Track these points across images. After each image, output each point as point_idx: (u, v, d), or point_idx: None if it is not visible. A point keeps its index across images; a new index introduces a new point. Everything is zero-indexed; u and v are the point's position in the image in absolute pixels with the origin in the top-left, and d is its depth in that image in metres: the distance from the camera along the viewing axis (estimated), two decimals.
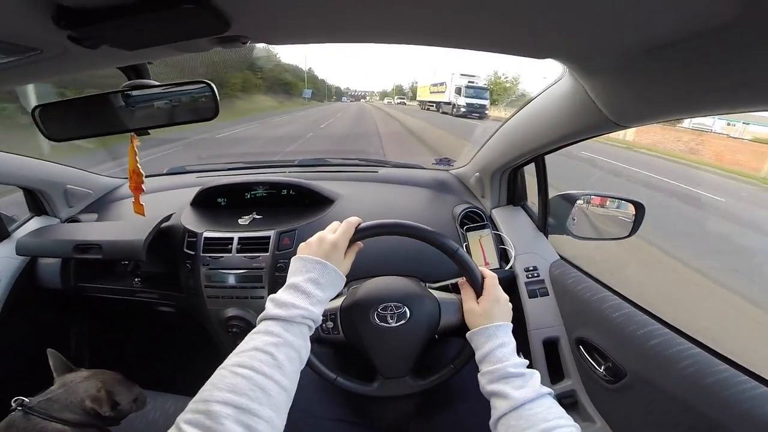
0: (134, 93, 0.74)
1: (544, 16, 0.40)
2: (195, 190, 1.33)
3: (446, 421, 0.84)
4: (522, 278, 1.09)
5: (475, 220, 1.22)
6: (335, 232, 0.69)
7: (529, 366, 0.64)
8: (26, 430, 0.73)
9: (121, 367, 0.95)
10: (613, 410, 0.89)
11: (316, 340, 0.79)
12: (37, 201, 1.37)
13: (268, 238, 1.14)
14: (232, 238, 1.15)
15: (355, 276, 1.03)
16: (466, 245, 1.16)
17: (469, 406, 0.84)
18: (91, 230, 1.24)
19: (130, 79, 0.73)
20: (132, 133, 0.89)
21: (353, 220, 0.72)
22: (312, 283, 0.62)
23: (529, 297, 1.07)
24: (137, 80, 0.73)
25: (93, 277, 1.32)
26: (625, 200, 1.06)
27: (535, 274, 1.09)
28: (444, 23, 0.44)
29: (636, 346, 0.80)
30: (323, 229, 0.95)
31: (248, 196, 1.35)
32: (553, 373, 1.04)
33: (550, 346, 1.04)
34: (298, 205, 1.30)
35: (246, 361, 0.49)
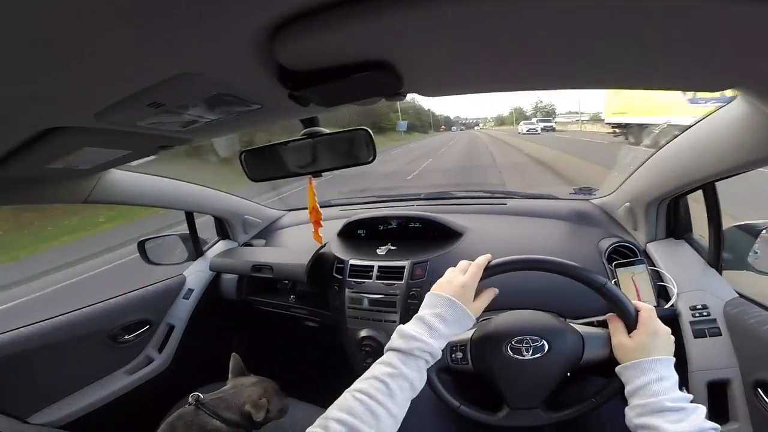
0: (312, 139, 0.87)
1: (726, 50, 0.40)
2: (340, 222, 1.52)
3: None
4: (686, 317, 0.98)
5: (625, 255, 1.13)
6: (465, 272, 0.72)
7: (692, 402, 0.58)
8: (192, 424, 0.82)
9: (265, 371, 1.08)
10: None
11: (443, 368, 0.83)
12: (223, 227, 1.74)
13: (403, 267, 1.25)
14: (372, 267, 1.29)
15: (486, 308, 1.05)
16: (615, 282, 1.08)
17: None
18: (263, 253, 1.54)
19: (306, 126, 0.86)
20: (310, 176, 1.08)
21: (482, 260, 0.73)
22: (437, 317, 0.66)
23: (695, 337, 0.95)
24: (312, 128, 0.86)
25: (259, 292, 1.62)
26: None
27: (704, 313, 0.97)
28: (610, 68, 0.46)
29: None
30: (453, 261, 1.00)
31: (382, 228, 1.49)
32: (717, 416, 0.91)
33: (717, 388, 0.93)
34: (428, 238, 1.39)
35: (365, 387, 0.57)
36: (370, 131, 0.87)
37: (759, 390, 0.83)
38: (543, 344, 0.77)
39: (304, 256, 1.34)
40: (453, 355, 0.83)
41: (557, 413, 0.78)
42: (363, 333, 1.27)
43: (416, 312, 1.14)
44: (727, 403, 0.91)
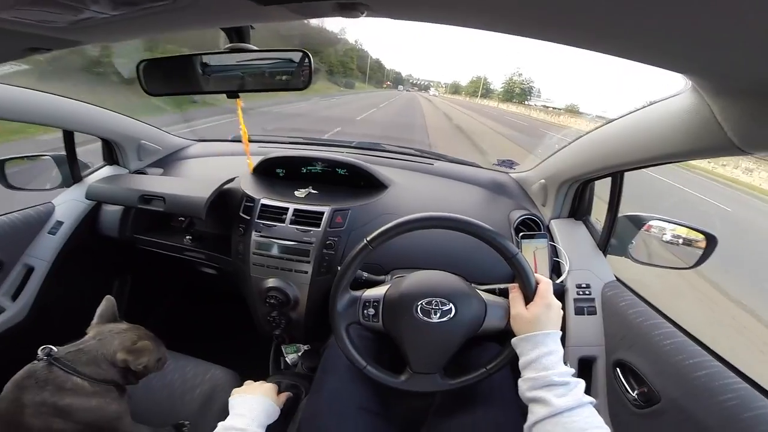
0: (235, 55, 0.75)
1: (696, 35, 0.38)
2: (257, 159, 1.37)
3: (463, 422, 0.84)
4: (572, 294, 1.08)
5: (531, 227, 1.20)
6: (262, 384, 0.85)
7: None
8: (45, 382, 0.70)
9: (150, 322, 0.97)
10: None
11: (356, 322, 0.83)
12: (112, 151, 1.47)
13: (322, 213, 1.16)
14: (287, 209, 1.17)
15: (399, 264, 1.06)
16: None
17: (491, 410, 0.84)
18: (157, 183, 1.28)
19: (232, 40, 0.73)
20: (237, 97, 0.92)
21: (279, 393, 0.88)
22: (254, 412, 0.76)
23: (575, 314, 1.06)
24: (238, 43, 0.73)
25: (148, 230, 1.39)
26: (697, 230, 1.02)
27: (587, 292, 1.07)
28: (589, 24, 0.42)
29: (680, 375, 0.78)
30: (375, 212, 0.96)
31: (305, 171, 1.38)
32: None
33: (585, 364, 1.04)
34: (353, 186, 1.32)
35: None
36: (311, 55, 0.77)
37: (617, 369, 0.94)
38: (450, 308, 0.78)
39: (205, 190, 1.16)
40: (365, 311, 0.82)
41: (453, 380, 0.81)
42: (269, 283, 1.17)
43: (330, 263, 1.12)
44: (591, 379, 1.02)
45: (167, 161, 1.58)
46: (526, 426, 0.62)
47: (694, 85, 0.60)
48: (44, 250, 1.26)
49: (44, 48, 0.60)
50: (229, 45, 0.73)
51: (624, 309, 0.99)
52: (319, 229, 1.14)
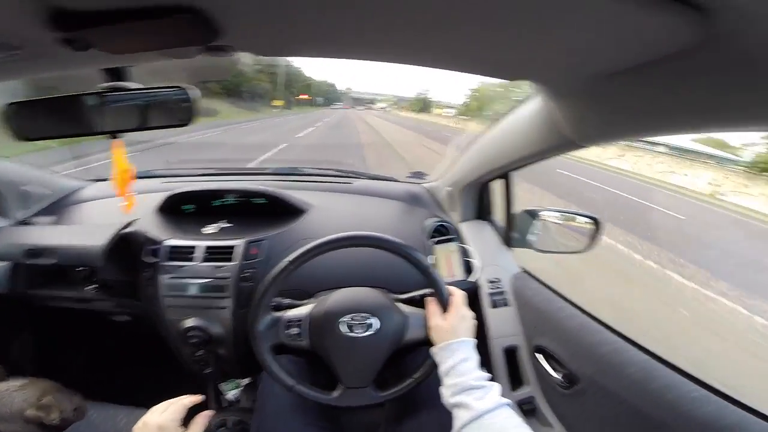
0: (111, 94, 0.73)
1: (518, 42, 0.44)
2: (161, 196, 1.29)
3: (413, 427, 0.87)
4: (485, 289, 1.14)
5: (444, 233, 1.26)
6: (164, 411, 0.72)
7: (492, 375, 0.69)
8: None
9: (69, 377, 0.90)
10: (569, 415, 0.93)
11: (278, 346, 0.83)
12: None
13: (234, 247, 1.12)
14: (195, 247, 1.13)
15: (321, 287, 1.05)
16: (433, 257, 1.20)
17: (436, 416, 0.86)
18: (46, 234, 1.17)
19: (109, 79, 0.71)
20: (114, 137, 0.89)
21: (185, 401, 0.75)
22: None
23: (492, 307, 1.12)
24: (116, 83, 0.72)
25: (44, 283, 1.24)
26: (583, 215, 1.12)
27: (498, 286, 1.14)
28: (425, 44, 0.47)
29: (589, 354, 0.84)
30: (294, 239, 0.96)
31: (217, 204, 1.32)
32: (514, 380, 1.08)
33: (511, 354, 1.09)
34: (269, 215, 1.29)
35: None
36: (189, 89, 0.76)
37: (539, 355, 0.99)
38: (373, 322, 0.80)
39: (102, 236, 1.08)
40: (288, 331, 0.82)
41: (384, 392, 0.83)
42: (188, 323, 1.11)
43: (250, 296, 1.07)
44: (519, 367, 1.07)
45: (59, 207, 1.42)
46: (453, 431, 0.65)
47: (538, 89, 0.67)
48: None
49: None
50: (104, 84, 0.71)
51: (531, 297, 1.05)
52: (234, 263, 1.11)
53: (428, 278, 0.80)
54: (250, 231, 1.19)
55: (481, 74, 0.56)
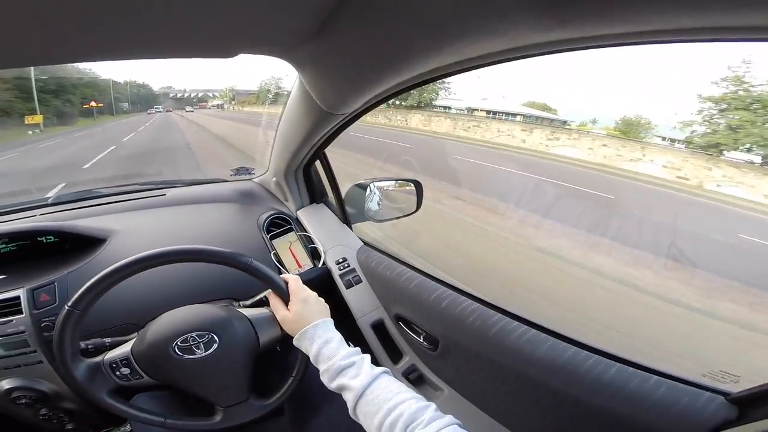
0: None
1: (220, 15, 0.39)
2: None
3: (321, 424, 0.87)
4: (336, 271, 1.13)
5: (281, 225, 1.20)
6: None
7: (364, 351, 0.67)
8: None
9: None
10: (447, 374, 0.96)
11: (114, 391, 0.76)
12: None
13: (17, 298, 0.92)
14: None
15: (154, 314, 0.91)
16: (274, 253, 1.13)
17: (338, 405, 0.85)
18: None
19: None
20: None
21: None
22: None
23: (347, 288, 1.11)
24: None
25: None
26: (404, 181, 1.20)
27: (346, 265, 1.14)
28: (132, 36, 0.40)
29: (434, 312, 0.89)
30: (95, 271, 0.80)
31: None
32: (392, 353, 1.09)
33: (379, 328, 1.10)
34: (63, 253, 1.06)
35: None
36: None
37: (401, 323, 1.01)
38: (212, 337, 0.75)
39: None
40: (117, 373, 0.75)
41: (270, 399, 0.80)
42: (4, 386, 0.91)
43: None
44: (391, 339, 1.07)
45: None
46: (350, 414, 0.63)
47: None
48: None
49: None
50: None
51: (377, 268, 1.08)
52: (23, 315, 0.91)
53: (254, 274, 0.75)
54: (31, 277, 0.97)
55: (194, 56, 0.52)
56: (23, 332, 0.91)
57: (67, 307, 0.70)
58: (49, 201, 1.32)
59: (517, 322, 0.80)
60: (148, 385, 0.77)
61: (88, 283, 0.71)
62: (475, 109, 13.24)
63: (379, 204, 1.24)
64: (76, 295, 0.71)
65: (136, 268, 0.71)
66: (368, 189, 1.19)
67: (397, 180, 1.21)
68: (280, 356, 0.84)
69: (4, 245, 1.04)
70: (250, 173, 1.47)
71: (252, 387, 0.79)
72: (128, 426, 1.18)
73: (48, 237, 1.07)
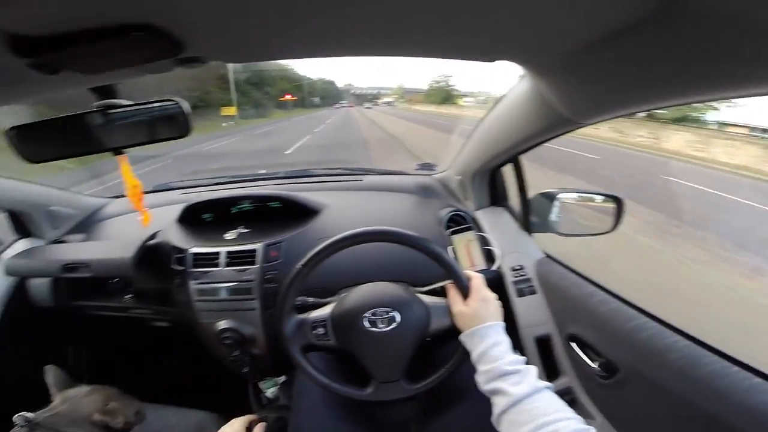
0: (109, 112, 0.74)
1: (487, 21, 0.41)
2: (180, 207, 1.33)
3: (448, 421, 0.87)
4: (509, 277, 1.10)
5: (460, 223, 1.23)
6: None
7: (526, 363, 0.65)
8: None
9: (120, 382, 0.96)
10: (611, 406, 0.89)
11: (308, 346, 0.84)
12: (21, 223, 1.37)
13: (255, 251, 1.15)
14: (218, 253, 1.16)
15: (344, 284, 1.06)
16: (452, 248, 1.17)
17: (472, 406, 0.86)
18: (79, 250, 1.26)
19: (98, 99, 0.72)
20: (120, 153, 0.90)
21: (244, 417, 0.81)
22: None
23: (518, 296, 1.08)
24: (107, 101, 0.72)
25: (86, 295, 1.34)
26: (604, 195, 1.07)
27: (522, 273, 1.10)
28: (401, 33, 0.45)
29: (626, 341, 0.80)
30: (310, 239, 0.95)
31: (235, 211, 1.35)
32: (549, 371, 1.04)
33: (543, 343, 1.05)
34: (285, 217, 1.31)
35: None
36: (182, 102, 0.75)
37: (573, 344, 0.95)
38: (394, 315, 0.80)
39: (130, 248, 1.15)
40: (315, 331, 0.83)
41: (417, 384, 0.83)
42: (221, 325, 1.15)
43: (275, 296, 1.08)
44: (554, 357, 1.03)
45: (87, 225, 1.51)
46: (493, 419, 0.63)
47: (525, 71, 0.64)
48: None
49: None
50: (97, 104, 0.72)
51: (559, 283, 1.01)
52: (256, 266, 1.14)
53: (443, 265, 0.79)
54: (267, 234, 1.21)
55: (460, 59, 0.54)
56: (252, 281, 1.13)
57: (299, 266, 0.81)
58: (279, 174, 1.66)
59: (736, 366, 0.65)
60: (327, 347, 0.84)
61: (319, 247, 0.81)
62: (729, 124, 10.69)
63: (565, 217, 1.15)
64: (308, 256, 0.81)
65: (359, 239, 0.80)
66: (555, 199, 1.12)
67: (594, 193, 1.09)
68: (432, 346, 0.87)
69: (248, 205, 1.35)
70: (432, 169, 1.54)
71: (406, 369, 0.82)
72: (283, 378, 1.36)
73: (275, 203, 1.33)
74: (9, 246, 1.36)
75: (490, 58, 0.52)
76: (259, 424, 0.86)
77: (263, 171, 1.81)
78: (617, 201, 1.05)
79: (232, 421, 0.85)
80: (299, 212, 1.31)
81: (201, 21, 0.39)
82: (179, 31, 0.39)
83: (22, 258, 1.22)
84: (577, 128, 0.66)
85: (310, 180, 1.63)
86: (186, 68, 0.54)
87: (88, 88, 0.70)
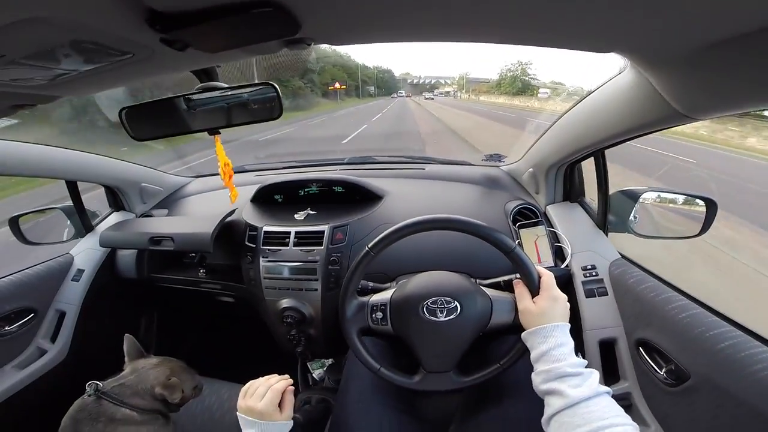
0: (206, 95, 0.79)
1: (610, 12, 0.39)
2: (254, 188, 1.41)
3: (492, 417, 0.85)
4: (579, 277, 1.06)
5: (528, 216, 1.19)
6: (262, 398, 0.73)
7: (587, 366, 0.63)
8: (97, 414, 0.76)
9: (182, 353, 1.03)
10: (672, 414, 0.84)
11: (365, 330, 0.85)
12: (116, 198, 1.53)
13: (323, 232, 1.19)
14: (289, 232, 1.21)
15: (403, 270, 1.08)
16: (519, 242, 1.14)
17: (519, 404, 0.84)
18: (164, 224, 1.38)
19: (202, 81, 0.76)
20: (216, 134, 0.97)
21: (279, 386, 0.75)
22: None
23: (586, 297, 1.03)
24: (209, 83, 0.77)
25: (163, 268, 1.46)
26: (694, 197, 1.00)
27: (593, 273, 1.05)
28: (510, 19, 0.44)
29: (704, 349, 0.75)
30: (373, 224, 0.95)
31: (302, 193, 1.42)
32: (608, 375, 1.00)
33: (607, 347, 1.01)
34: (349, 202, 1.35)
35: None
36: (277, 86, 0.80)
37: (640, 349, 0.91)
38: (456, 306, 0.79)
39: (209, 224, 1.23)
40: (374, 315, 0.84)
41: (467, 378, 0.81)
42: (283, 303, 1.21)
43: (337, 278, 1.16)
44: (617, 361, 0.99)
45: (170, 201, 1.65)
46: (543, 419, 0.61)
47: (631, 62, 0.60)
48: (72, 296, 1.36)
49: (28, 104, 0.66)
50: (200, 86, 0.76)
51: (634, 286, 0.96)
52: (322, 247, 1.18)
53: (513, 259, 0.76)
54: (332, 217, 1.25)
55: (568, 48, 0.51)
56: (316, 261, 1.17)
57: (367, 248, 0.81)
58: (345, 160, 1.71)
59: None
60: (383, 332, 0.84)
61: (390, 230, 0.81)
62: None
63: (647, 217, 1.08)
64: (376, 239, 0.81)
65: (428, 226, 0.79)
66: (638, 198, 1.05)
67: (682, 193, 1.02)
68: (485, 340, 0.85)
69: (314, 188, 1.40)
70: (501, 160, 1.51)
71: (457, 361, 0.81)
72: (330, 361, 1.42)
73: (340, 187, 1.37)
74: (105, 218, 1.53)
75: (604, 49, 0.50)
76: (289, 388, 0.79)
77: (329, 157, 1.87)
78: (709, 203, 0.97)
79: (262, 387, 0.76)
80: (362, 198, 1.34)
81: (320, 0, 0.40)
82: (298, 9, 0.40)
83: (114, 230, 1.35)
84: (688, 123, 0.62)
85: (372, 167, 1.66)
86: (290, 50, 0.57)
87: (192, 70, 0.76)
